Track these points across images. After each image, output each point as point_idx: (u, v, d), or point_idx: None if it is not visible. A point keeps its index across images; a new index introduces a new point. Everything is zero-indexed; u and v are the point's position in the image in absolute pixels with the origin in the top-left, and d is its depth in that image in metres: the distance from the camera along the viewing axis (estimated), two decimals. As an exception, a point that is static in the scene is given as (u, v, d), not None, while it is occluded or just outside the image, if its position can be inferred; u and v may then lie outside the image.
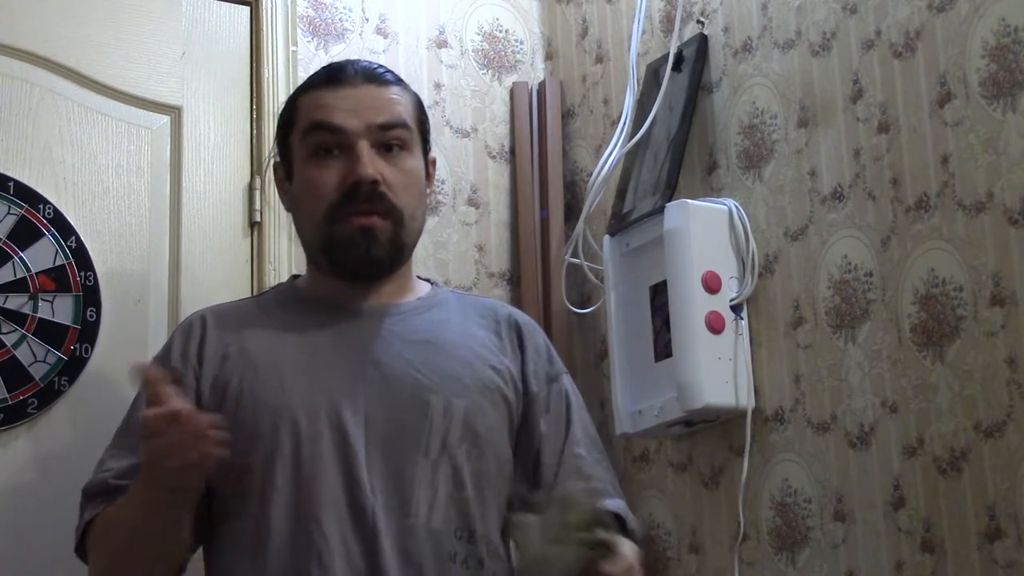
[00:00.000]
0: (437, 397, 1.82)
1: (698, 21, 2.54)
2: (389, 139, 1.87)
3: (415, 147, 1.90)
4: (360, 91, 1.88)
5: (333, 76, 1.91)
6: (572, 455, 1.91)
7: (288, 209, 1.98)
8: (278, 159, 1.97)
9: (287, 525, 1.75)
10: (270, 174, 2.50)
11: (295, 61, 2.60)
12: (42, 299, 2.30)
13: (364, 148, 1.84)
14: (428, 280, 2.02)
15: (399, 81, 1.94)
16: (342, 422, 1.78)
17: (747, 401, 2.32)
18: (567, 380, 1.98)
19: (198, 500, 1.76)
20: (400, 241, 1.87)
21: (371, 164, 1.84)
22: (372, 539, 1.74)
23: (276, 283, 2.39)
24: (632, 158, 2.58)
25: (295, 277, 2.04)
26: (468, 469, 1.81)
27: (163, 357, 1.88)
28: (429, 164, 1.96)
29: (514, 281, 2.76)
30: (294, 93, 1.96)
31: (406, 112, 1.90)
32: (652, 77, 2.59)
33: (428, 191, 1.96)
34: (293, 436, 1.78)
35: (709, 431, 2.41)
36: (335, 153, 1.85)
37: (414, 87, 2.71)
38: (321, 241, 1.87)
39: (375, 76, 1.91)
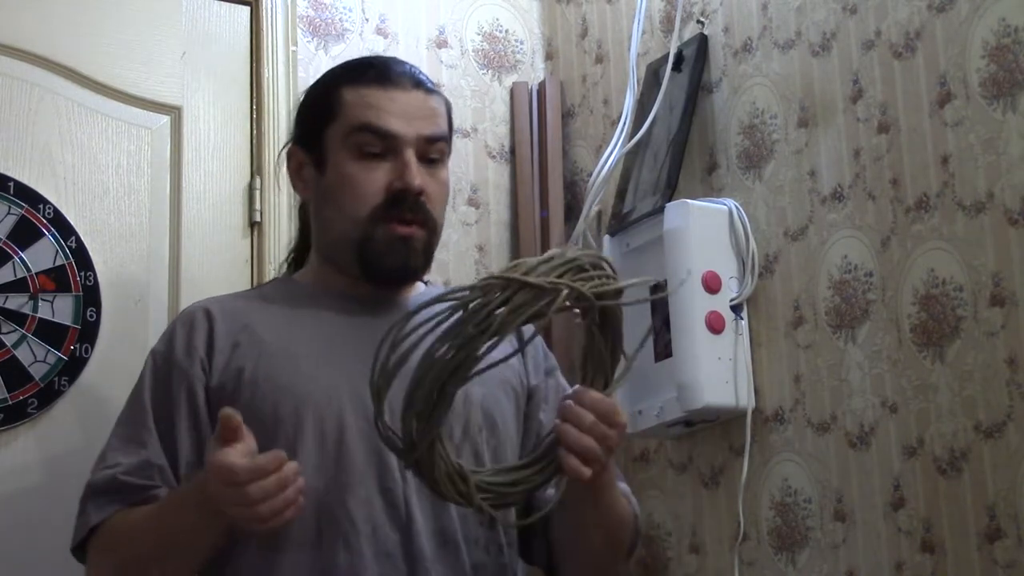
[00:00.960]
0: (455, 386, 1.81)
1: (698, 21, 2.54)
2: (431, 152, 1.86)
3: (447, 159, 1.91)
4: (410, 96, 1.86)
5: (382, 75, 1.88)
6: None
7: (305, 197, 1.94)
8: (297, 146, 1.93)
9: (311, 510, 1.71)
10: (272, 169, 2.51)
11: (295, 61, 2.60)
12: (42, 299, 2.30)
13: (412, 157, 1.83)
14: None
15: (436, 89, 1.93)
16: (368, 406, 1.76)
17: (747, 401, 2.32)
18: (559, 374, 2.00)
19: None
20: (431, 250, 1.87)
21: (419, 174, 1.83)
22: (407, 520, 1.73)
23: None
24: (632, 158, 2.58)
25: (290, 274, 2.01)
26: (488, 455, 1.81)
27: (165, 352, 1.85)
28: None
29: (514, 281, 2.76)
30: (335, 82, 1.91)
31: (445, 123, 1.90)
32: (652, 77, 2.59)
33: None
34: (317, 421, 1.75)
35: (709, 431, 2.41)
36: (379, 156, 1.84)
37: (414, 87, 2.73)
38: (355, 241, 1.84)
39: (421, 83, 1.89)
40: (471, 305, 1.50)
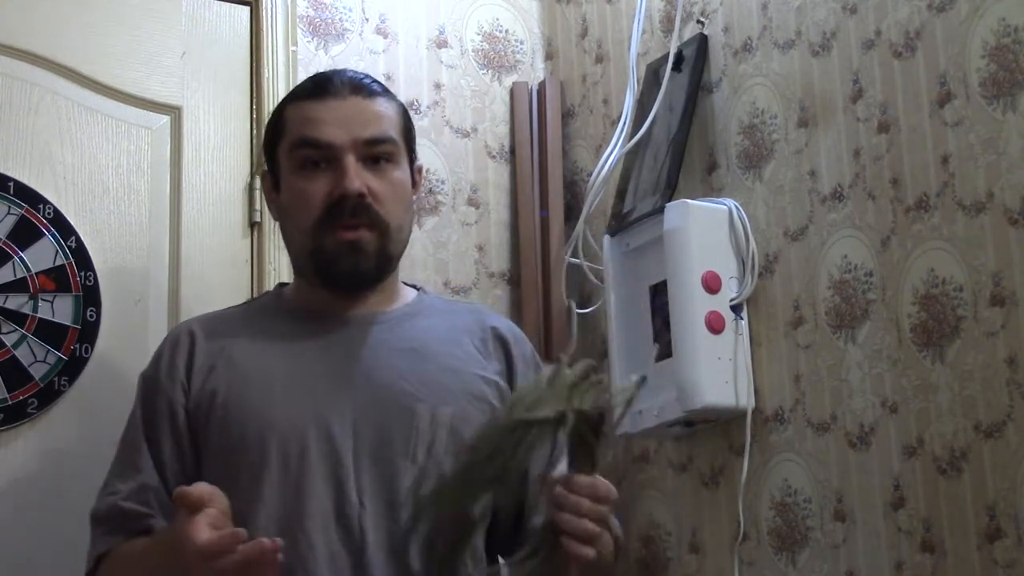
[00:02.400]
0: (423, 406, 1.83)
1: (698, 21, 2.54)
2: (376, 153, 1.88)
3: (401, 159, 1.92)
4: (347, 103, 1.89)
5: (320, 87, 1.92)
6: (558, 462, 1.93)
7: (276, 219, 2.00)
8: (266, 168, 1.99)
9: (272, 534, 1.73)
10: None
11: (295, 61, 2.60)
12: (42, 299, 2.30)
13: (350, 162, 1.86)
14: (414, 286, 2.03)
15: (385, 91, 1.95)
16: (330, 431, 1.79)
17: (747, 401, 2.32)
18: None
19: None
20: (387, 253, 1.89)
21: (357, 177, 1.85)
22: (360, 543, 1.75)
23: (273, 285, 2.40)
24: (632, 158, 2.58)
25: (282, 285, 2.05)
26: None
27: (152, 374, 1.90)
28: (415, 172, 1.98)
29: (514, 281, 2.76)
30: (281, 103, 1.98)
31: (391, 125, 1.91)
32: (652, 77, 2.59)
33: (415, 197, 1.98)
34: (280, 445, 1.78)
35: (709, 431, 2.40)
36: (322, 166, 1.87)
37: (414, 87, 2.74)
38: (308, 252, 1.89)
39: (361, 87, 1.92)
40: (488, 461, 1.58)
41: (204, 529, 1.59)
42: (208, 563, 1.58)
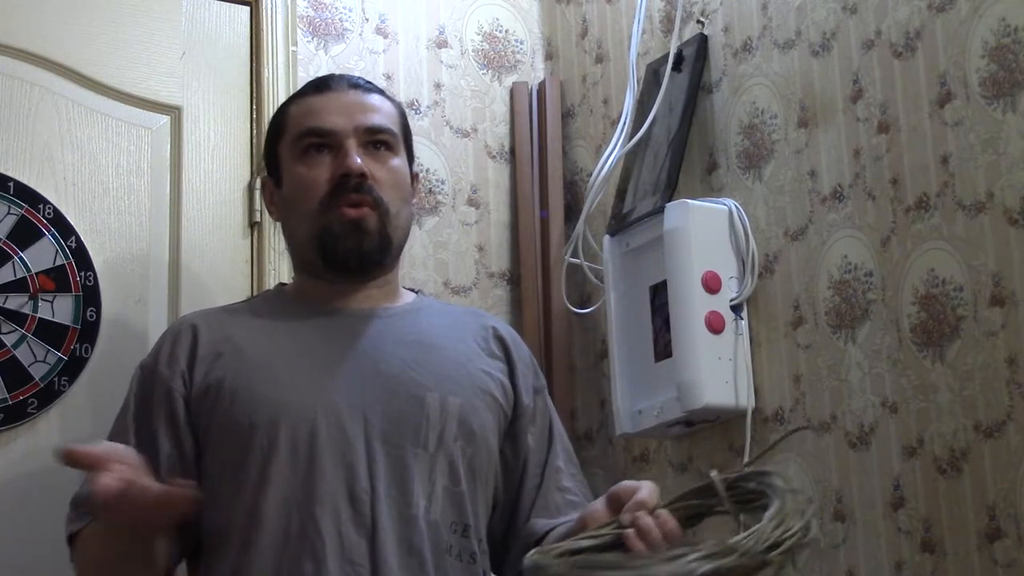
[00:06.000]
0: (433, 394, 1.85)
1: (698, 21, 2.54)
2: (375, 140, 1.94)
3: (400, 151, 1.98)
4: (347, 95, 1.96)
5: (320, 84, 2.00)
6: (553, 468, 1.97)
7: (277, 219, 2.04)
8: (265, 174, 2.03)
9: (281, 519, 1.76)
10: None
11: (295, 61, 2.60)
12: (42, 299, 2.30)
13: (352, 144, 1.91)
14: (412, 290, 2.06)
15: (382, 91, 2.03)
16: (340, 417, 1.80)
17: (747, 401, 2.32)
18: (547, 394, 2.05)
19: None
20: (387, 235, 1.92)
21: (360, 158, 1.90)
22: (372, 530, 1.76)
23: (273, 285, 2.41)
24: (632, 158, 2.58)
25: (282, 285, 2.08)
26: (463, 464, 1.85)
27: (150, 364, 1.90)
28: (413, 178, 2.02)
29: (514, 281, 2.76)
30: (282, 105, 2.04)
31: (391, 119, 1.98)
32: (652, 77, 2.59)
33: (413, 201, 2.01)
34: (290, 430, 1.79)
35: (709, 431, 2.40)
36: (324, 152, 1.92)
37: (414, 87, 2.75)
38: (313, 236, 1.91)
39: (359, 84, 2.00)
40: None
41: (98, 481, 1.56)
42: (117, 513, 1.59)
